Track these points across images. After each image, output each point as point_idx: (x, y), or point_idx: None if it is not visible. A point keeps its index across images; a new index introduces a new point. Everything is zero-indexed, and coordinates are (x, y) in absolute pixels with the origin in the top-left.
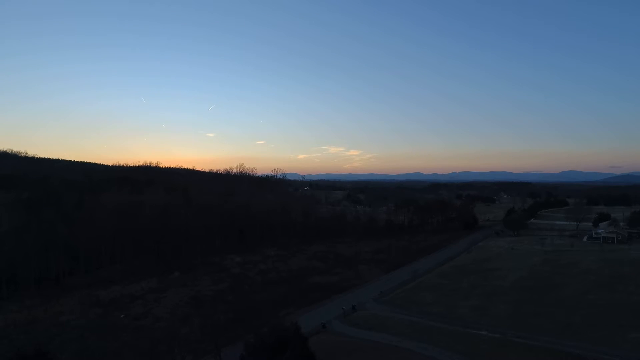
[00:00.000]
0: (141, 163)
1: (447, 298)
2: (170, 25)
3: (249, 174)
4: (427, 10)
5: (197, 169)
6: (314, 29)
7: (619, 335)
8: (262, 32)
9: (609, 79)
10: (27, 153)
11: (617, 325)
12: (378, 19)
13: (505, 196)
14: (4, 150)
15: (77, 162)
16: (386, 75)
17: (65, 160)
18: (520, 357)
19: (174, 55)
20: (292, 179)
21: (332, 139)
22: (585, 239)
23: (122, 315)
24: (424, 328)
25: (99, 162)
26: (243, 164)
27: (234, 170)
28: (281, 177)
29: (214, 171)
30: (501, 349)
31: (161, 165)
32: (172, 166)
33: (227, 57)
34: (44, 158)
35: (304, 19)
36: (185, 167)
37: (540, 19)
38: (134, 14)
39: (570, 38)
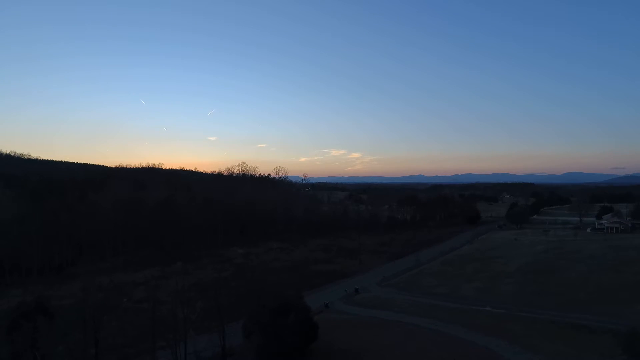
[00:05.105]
0: (144, 165)
1: (451, 281)
2: (171, 31)
3: (251, 174)
4: (428, 14)
5: (200, 170)
6: (314, 32)
7: (624, 308)
8: (262, 37)
9: (611, 81)
10: (30, 155)
11: (622, 299)
12: (379, 23)
13: (507, 196)
14: (8, 152)
15: (80, 163)
16: (387, 78)
17: (69, 162)
18: (525, 328)
19: (175, 60)
20: (294, 181)
21: (334, 142)
22: (589, 230)
23: (124, 299)
24: (428, 306)
25: (101, 164)
26: (245, 162)
27: (236, 171)
28: (283, 178)
29: (216, 172)
30: (505, 322)
31: (163, 167)
32: (174, 168)
33: (227, 61)
34: (48, 160)
35: (305, 23)
36: (188, 168)
37: (542, 23)
38: (136, 20)
39: (571, 41)
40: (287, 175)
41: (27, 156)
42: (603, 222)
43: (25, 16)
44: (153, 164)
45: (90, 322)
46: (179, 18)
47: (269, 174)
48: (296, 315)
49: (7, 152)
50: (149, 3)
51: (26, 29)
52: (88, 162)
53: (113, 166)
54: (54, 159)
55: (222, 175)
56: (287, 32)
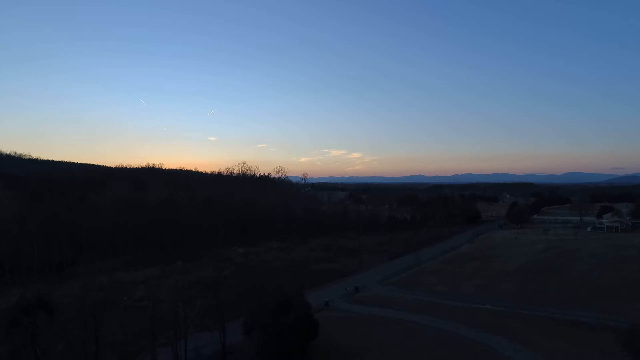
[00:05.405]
0: (144, 165)
1: (451, 280)
2: (171, 31)
3: (251, 174)
4: (428, 14)
5: (200, 170)
6: (314, 32)
7: (624, 305)
8: (262, 37)
9: (611, 81)
10: (30, 155)
11: (622, 297)
12: (379, 23)
13: (508, 196)
14: (8, 152)
15: (80, 163)
16: (387, 78)
17: (69, 162)
18: (525, 325)
19: (175, 60)
20: (294, 181)
21: (334, 142)
22: (589, 229)
23: (125, 298)
24: (428, 304)
25: (101, 164)
26: (245, 162)
27: (237, 171)
28: (283, 178)
29: (216, 172)
30: (505, 319)
31: (163, 167)
32: (174, 168)
33: (227, 61)
34: (48, 160)
35: (305, 23)
36: (188, 169)
37: (542, 23)
38: (136, 20)
39: (571, 41)
40: (287, 175)
41: (27, 156)
42: (603, 221)
43: (25, 16)
44: (153, 164)
45: (90, 319)
46: (179, 18)
47: (269, 174)
48: (296, 312)
49: (7, 152)
50: (149, 3)
51: (26, 29)
52: (88, 162)
53: (113, 166)
54: (54, 159)
55: (222, 175)
56: (287, 32)
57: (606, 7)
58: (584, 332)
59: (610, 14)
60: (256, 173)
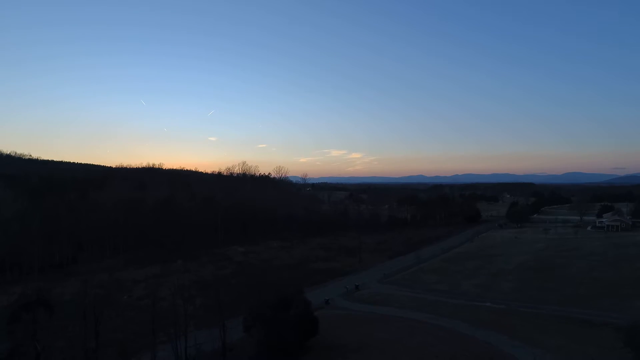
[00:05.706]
0: (144, 165)
1: (451, 278)
2: (171, 31)
3: (251, 174)
4: (429, 14)
5: (200, 170)
6: (314, 32)
7: (625, 303)
8: (262, 37)
9: (611, 81)
10: (31, 155)
11: (623, 295)
12: (378, 24)
13: (508, 196)
14: (8, 153)
15: (81, 164)
16: (387, 79)
17: (69, 162)
18: (525, 322)
19: (175, 60)
20: (294, 181)
21: (334, 142)
22: (589, 228)
23: (125, 297)
24: (428, 302)
25: (102, 164)
26: (245, 162)
27: (237, 171)
28: (283, 178)
29: (217, 172)
30: (505, 317)
31: (164, 167)
32: (175, 168)
33: (227, 61)
34: (48, 160)
35: (304, 24)
36: (188, 169)
37: (542, 23)
38: (136, 20)
39: (571, 41)
40: (287, 175)
41: (28, 156)
42: (604, 220)
43: (26, 17)
44: (153, 164)
45: (90, 316)
46: (179, 18)
47: (269, 174)
48: (296, 309)
49: (8, 153)
50: (149, 3)
51: (27, 29)
52: (88, 162)
53: (113, 166)
54: (54, 159)
55: (223, 175)
56: (287, 32)
57: (606, 7)
58: (585, 329)
59: (610, 14)
60: (256, 173)
